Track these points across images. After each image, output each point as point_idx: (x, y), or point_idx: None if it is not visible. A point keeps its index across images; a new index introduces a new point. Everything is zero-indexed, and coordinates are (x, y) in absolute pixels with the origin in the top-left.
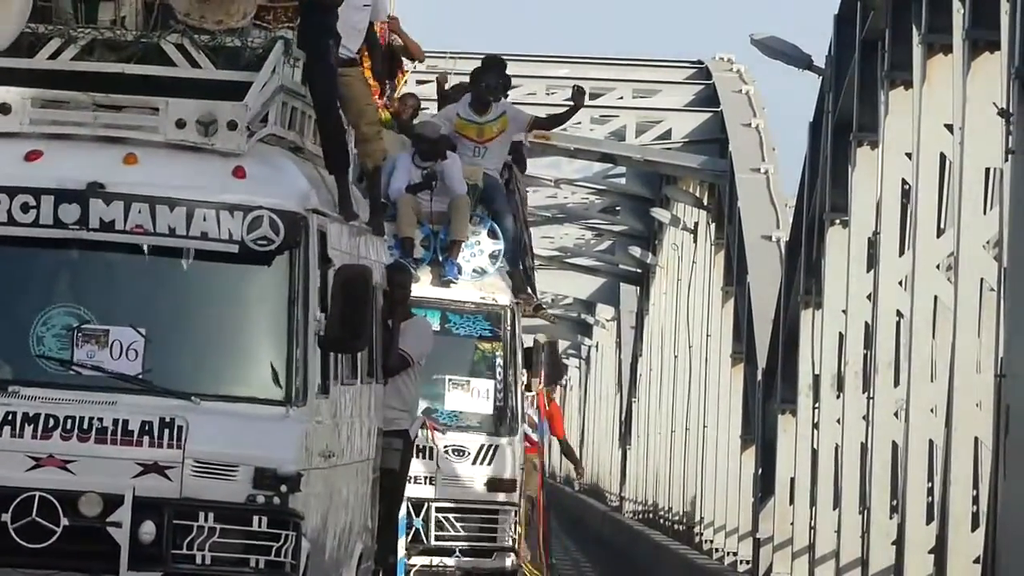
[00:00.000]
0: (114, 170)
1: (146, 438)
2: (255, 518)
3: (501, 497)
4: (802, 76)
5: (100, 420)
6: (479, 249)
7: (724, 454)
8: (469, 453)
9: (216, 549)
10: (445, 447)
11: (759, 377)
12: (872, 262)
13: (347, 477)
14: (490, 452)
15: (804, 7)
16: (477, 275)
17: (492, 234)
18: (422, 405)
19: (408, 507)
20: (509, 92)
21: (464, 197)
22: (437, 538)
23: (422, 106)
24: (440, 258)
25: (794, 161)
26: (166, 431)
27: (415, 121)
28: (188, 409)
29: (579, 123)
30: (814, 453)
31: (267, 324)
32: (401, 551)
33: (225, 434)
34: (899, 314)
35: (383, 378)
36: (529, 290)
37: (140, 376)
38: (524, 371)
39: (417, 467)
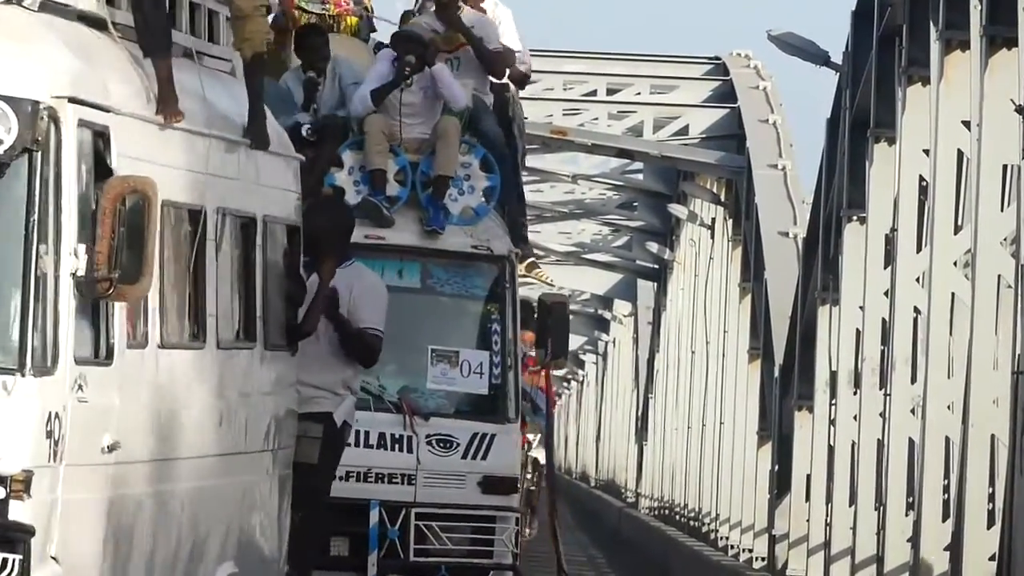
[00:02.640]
0: None
1: None
2: None
3: (498, 500)
4: (819, 72)
5: None
6: (469, 185)
7: (740, 450)
8: (458, 444)
9: None
10: (428, 437)
11: (776, 373)
12: (889, 259)
13: (177, 477)
14: (484, 443)
15: (821, 3)
16: (467, 219)
17: (486, 166)
18: (396, 381)
19: (381, 513)
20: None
21: (453, 119)
22: (418, 552)
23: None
24: (420, 197)
25: (811, 157)
26: None
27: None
28: None
29: (596, 119)
30: (830, 450)
31: None
32: (371, 569)
33: None
34: (916, 311)
35: (293, 346)
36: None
37: None
38: (524, 340)
39: (392, 461)
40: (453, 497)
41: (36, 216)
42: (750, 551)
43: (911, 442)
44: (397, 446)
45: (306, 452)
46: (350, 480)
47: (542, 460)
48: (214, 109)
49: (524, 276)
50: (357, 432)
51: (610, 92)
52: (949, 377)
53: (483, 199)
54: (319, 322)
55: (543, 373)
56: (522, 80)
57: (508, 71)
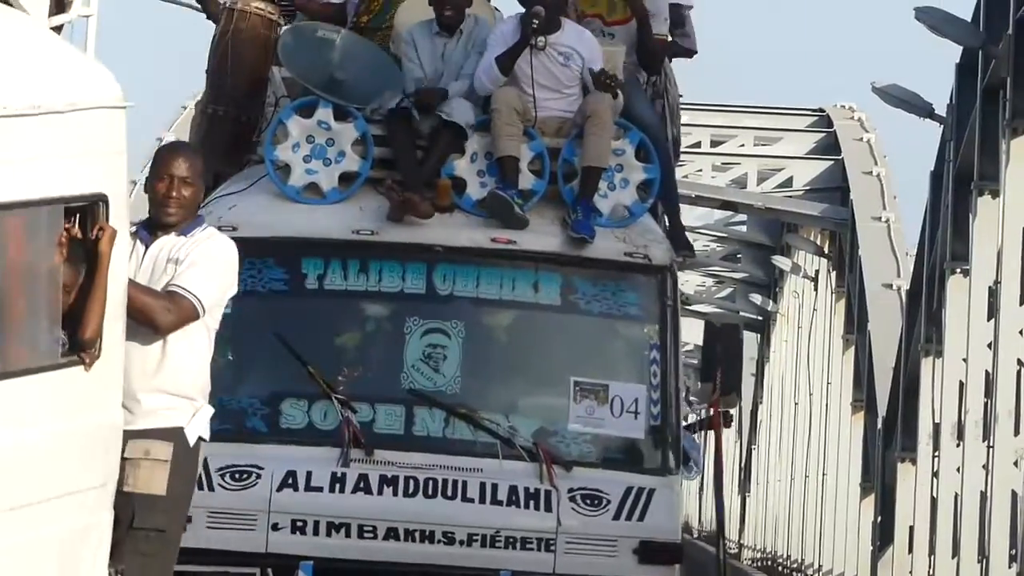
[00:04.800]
0: None
1: None
2: None
3: (659, 573)
4: (923, 124)
5: None
6: (622, 178)
7: (843, 502)
8: (608, 501)
9: None
10: (571, 492)
11: (879, 425)
12: (992, 311)
13: None
14: (641, 500)
15: (925, 56)
16: (619, 220)
17: (643, 154)
18: (530, 421)
19: None
20: None
21: (607, 95)
22: None
23: None
24: (562, 192)
25: (915, 209)
26: None
27: None
28: None
29: (700, 170)
30: (933, 501)
31: None
32: None
33: None
34: (1020, 363)
35: (78, 349)
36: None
37: None
38: (689, 373)
39: (526, 522)
40: (603, 568)
41: None
42: None
43: (1014, 494)
44: (532, 503)
45: (146, 480)
46: (472, 545)
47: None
48: None
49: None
50: (482, 485)
51: (714, 144)
52: None
53: (639, 195)
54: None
55: (712, 413)
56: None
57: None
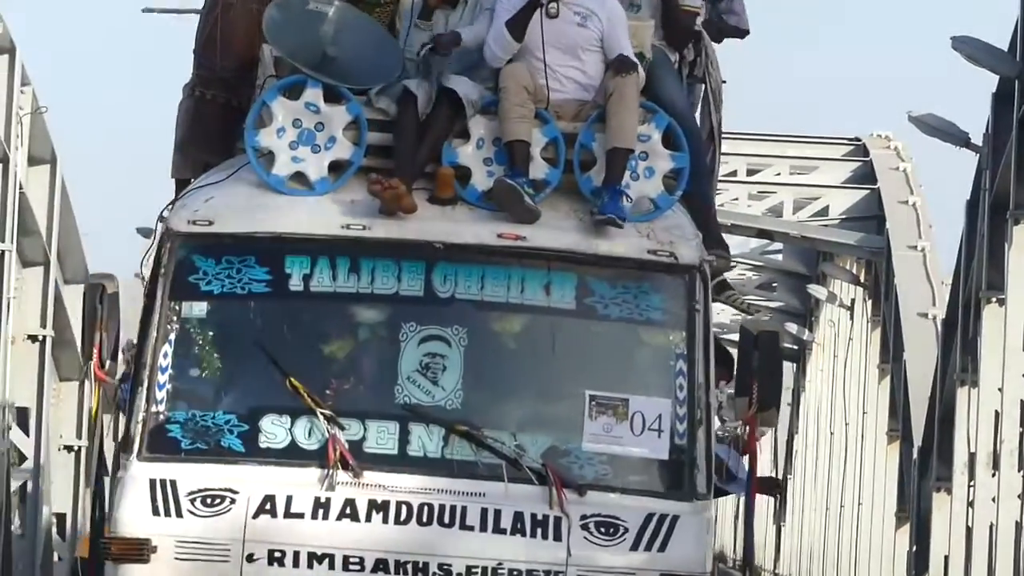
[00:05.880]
0: None
1: None
2: None
3: None
4: (959, 153)
5: None
6: (647, 167)
7: (879, 531)
8: (626, 530)
9: None
10: (584, 519)
11: (914, 455)
12: None
13: None
14: (664, 528)
15: (962, 85)
16: (643, 213)
17: (670, 141)
18: (540, 439)
19: None
20: None
21: (632, 75)
22: None
23: None
24: (579, 181)
25: (951, 238)
26: None
27: None
28: None
29: (736, 199)
30: (968, 531)
31: None
32: None
33: None
34: None
35: None
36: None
37: None
38: (723, 383)
39: (532, 552)
40: None
41: None
42: None
43: None
44: (540, 531)
45: None
46: None
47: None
48: None
49: (715, 299)
50: (483, 512)
51: (750, 172)
52: None
53: (666, 186)
54: None
55: (752, 425)
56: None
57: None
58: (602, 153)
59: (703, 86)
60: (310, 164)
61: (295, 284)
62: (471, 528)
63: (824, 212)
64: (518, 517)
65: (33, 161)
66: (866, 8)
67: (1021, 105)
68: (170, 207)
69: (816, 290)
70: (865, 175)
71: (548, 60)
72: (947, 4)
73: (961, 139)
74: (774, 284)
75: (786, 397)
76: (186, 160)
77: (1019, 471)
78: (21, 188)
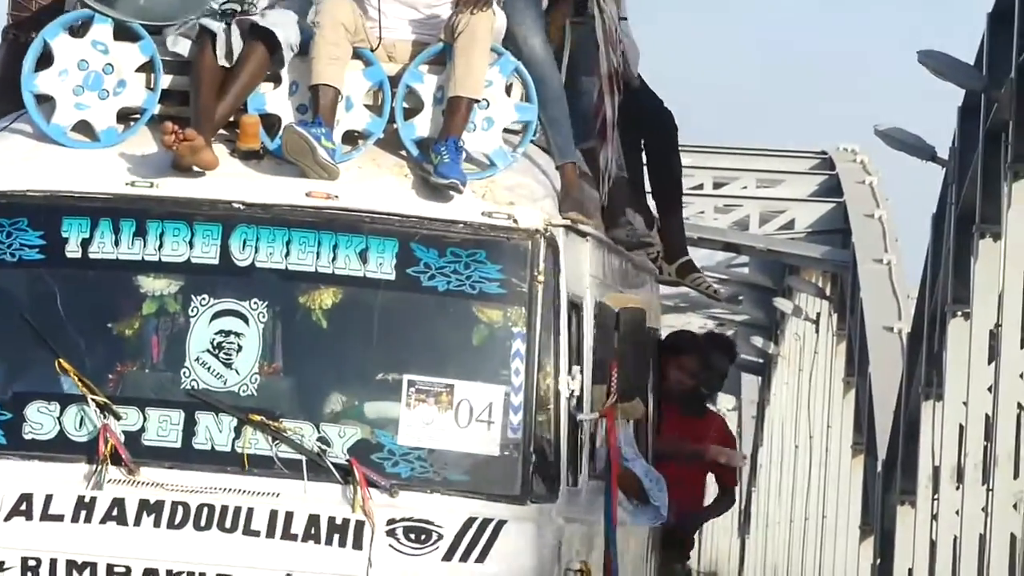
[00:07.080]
0: None
1: None
2: None
3: None
4: (926, 167)
5: None
6: (485, 118)
7: (843, 544)
8: (439, 537)
9: None
10: (391, 524)
11: (879, 468)
12: (993, 354)
13: None
14: (484, 535)
15: (928, 99)
16: (476, 170)
17: (526, 92)
18: (346, 430)
19: None
20: None
21: (486, 9)
22: None
23: None
24: (402, 129)
25: (917, 252)
26: None
27: None
28: None
29: (702, 212)
30: (932, 544)
31: None
32: None
33: None
34: (1020, 406)
35: None
36: (630, 220)
37: None
38: (575, 369)
39: (326, 563)
40: None
41: None
42: None
43: (1013, 537)
44: (338, 537)
45: None
46: None
47: None
48: None
49: (678, 282)
50: (273, 514)
51: (716, 186)
52: None
53: (506, 141)
54: None
55: (609, 417)
56: None
57: None
58: (431, 97)
59: (595, 22)
60: (96, 111)
61: (72, 250)
62: (256, 533)
63: (790, 225)
64: (313, 521)
65: None
66: (832, 21)
67: (987, 119)
68: None
69: (782, 303)
70: (831, 188)
71: (380, 7)
72: (913, 18)
73: (927, 153)
74: (740, 297)
75: (751, 410)
76: (8, 109)
77: (983, 484)
78: None
